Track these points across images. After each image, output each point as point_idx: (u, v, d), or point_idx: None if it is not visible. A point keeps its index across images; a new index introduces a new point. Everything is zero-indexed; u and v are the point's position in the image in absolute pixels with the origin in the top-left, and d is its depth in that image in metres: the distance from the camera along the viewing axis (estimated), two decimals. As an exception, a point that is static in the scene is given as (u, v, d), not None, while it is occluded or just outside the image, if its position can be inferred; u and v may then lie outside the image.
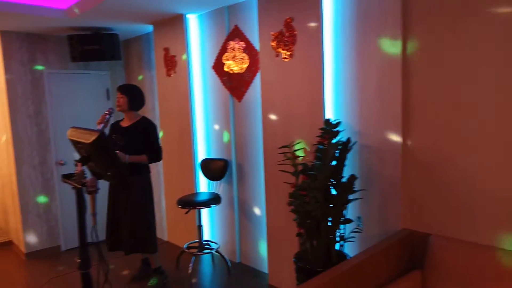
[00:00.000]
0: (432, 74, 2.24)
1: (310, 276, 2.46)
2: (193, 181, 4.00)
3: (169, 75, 4.07)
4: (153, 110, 4.59)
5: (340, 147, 2.38)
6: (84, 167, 2.35)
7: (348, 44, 2.62)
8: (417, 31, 2.28)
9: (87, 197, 2.38)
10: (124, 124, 3.26)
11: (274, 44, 2.97)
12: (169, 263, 3.78)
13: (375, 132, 2.52)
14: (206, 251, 3.68)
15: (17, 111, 4.21)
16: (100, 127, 2.79)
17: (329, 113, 2.77)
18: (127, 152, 3.05)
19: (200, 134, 4.00)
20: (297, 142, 2.85)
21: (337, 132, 2.38)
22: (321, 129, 2.42)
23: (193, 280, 3.45)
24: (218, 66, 3.65)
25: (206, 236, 4.03)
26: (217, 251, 3.61)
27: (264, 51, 3.07)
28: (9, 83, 4.15)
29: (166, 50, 4.03)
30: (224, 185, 3.77)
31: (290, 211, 2.97)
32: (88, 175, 2.37)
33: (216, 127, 3.81)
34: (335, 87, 2.74)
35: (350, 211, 2.61)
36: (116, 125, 3.29)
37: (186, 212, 3.65)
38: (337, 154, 2.42)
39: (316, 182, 2.31)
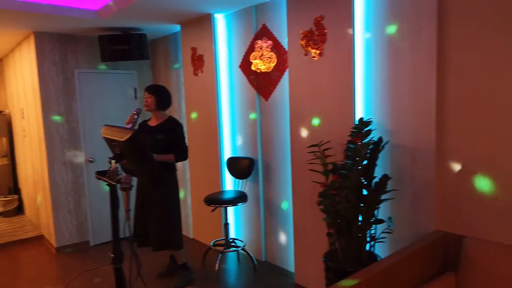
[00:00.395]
0: (470, 73, 2.19)
1: (340, 276, 2.45)
2: (219, 179, 4.03)
3: (196, 74, 4.11)
4: (179, 109, 4.65)
5: (372, 146, 2.36)
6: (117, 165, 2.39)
7: (379, 41, 2.59)
8: (454, 28, 2.23)
9: (120, 194, 2.44)
10: (152, 123, 3.32)
11: (303, 42, 2.96)
12: (195, 261, 3.82)
13: (408, 131, 2.48)
14: (232, 249, 3.71)
15: (49, 110, 4.34)
16: (128, 126, 2.86)
17: (359, 112, 2.74)
18: (154, 151, 3.11)
19: (226, 132, 4.03)
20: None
21: (369, 131, 2.35)
22: (354, 128, 2.39)
23: (220, 278, 3.48)
24: (245, 65, 3.66)
25: (232, 234, 4.06)
26: (243, 249, 3.62)
27: (293, 50, 3.07)
28: (42, 83, 4.28)
29: (194, 49, 4.07)
30: (250, 184, 3.79)
31: (319, 210, 2.97)
32: (121, 172, 2.44)
33: (243, 125, 3.83)
34: (365, 85, 2.71)
35: (381, 211, 2.58)
36: (143, 125, 3.35)
37: (213, 210, 3.68)
38: (368, 154, 2.39)
39: (348, 182, 2.29)
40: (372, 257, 2.49)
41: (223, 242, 3.79)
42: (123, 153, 2.43)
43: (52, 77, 4.35)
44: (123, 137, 2.31)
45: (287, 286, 3.32)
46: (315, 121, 2.98)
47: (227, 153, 4.05)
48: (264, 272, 3.58)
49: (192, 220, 4.57)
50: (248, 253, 3.64)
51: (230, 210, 4.01)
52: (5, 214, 5.80)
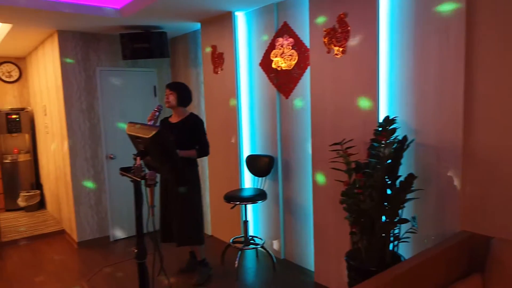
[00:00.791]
0: (499, 70, 2.14)
1: (362, 275, 2.43)
2: (238, 177, 4.05)
3: (216, 72, 4.13)
4: (198, 106, 4.68)
5: (396, 145, 2.33)
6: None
7: (405, 38, 2.55)
8: (483, 25, 2.19)
9: (144, 190, 2.47)
10: (173, 120, 3.35)
11: (325, 40, 2.94)
12: (214, 257, 3.85)
13: (433, 130, 2.44)
14: (251, 246, 3.72)
15: (72, 107, 4.42)
16: (150, 123, 2.89)
17: (383, 110, 2.71)
18: (176, 147, 3.14)
19: (246, 130, 4.04)
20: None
21: (394, 130, 2.32)
22: (378, 126, 2.37)
23: (238, 275, 3.50)
24: (265, 63, 3.66)
25: (250, 231, 4.07)
26: (262, 247, 3.63)
27: (315, 47, 3.05)
28: (65, 80, 4.36)
29: (214, 47, 4.09)
30: (269, 181, 3.79)
31: (340, 209, 2.95)
32: (144, 169, 2.46)
33: (263, 123, 3.83)
34: (389, 83, 2.68)
35: (405, 211, 2.55)
36: (165, 122, 3.39)
37: (232, 207, 3.70)
38: (392, 152, 2.36)
39: (372, 180, 2.27)
40: (396, 257, 2.46)
41: (242, 239, 3.81)
42: (147, 149, 2.45)
43: (74, 75, 4.42)
44: (148, 134, 2.33)
45: (306, 284, 3.31)
46: (337, 119, 2.96)
47: (246, 150, 4.06)
48: (283, 270, 3.58)
49: (210, 217, 4.60)
50: (267, 251, 3.64)
51: (249, 207, 4.02)
52: (27, 209, 5.94)
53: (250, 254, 3.98)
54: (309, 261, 3.53)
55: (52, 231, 5.05)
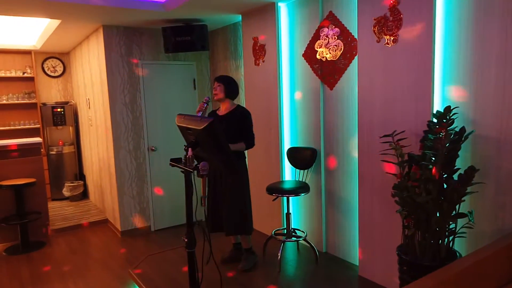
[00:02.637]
0: None
1: (415, 270, 2.37)
2: (279, 169, 4.04)
3: (257, 64, 4.12)
4: (237, 99, 4.69)
5: (454, 136, 2.24)
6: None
7: (463, 26, 2.44)
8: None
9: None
10: (221, 112, 3.38)
11: (375, 29, 2.86)
12: (255, 249, 3.86)
13: (493, 121, 2.33)
14: (293, 238, 3.71)
15: (116, 100, 4.55)
16: (199, 115, 2.92)
17: (437, 101, 2.61)
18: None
19: (287, 122, 4.01)
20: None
21: (453, 121, 2.23)
22: (436, 116, 2.28)
23: (279, 268, 3.50)
24: (309, 53, 3.61)
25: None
26: (305, 239, 3.62)
27: (364, 37, 2.97)
28: (110, 74, 4.48)
29: (255, 39, 4.08)
30: (311, 174, 3.76)
31: (388, 202, 2.89)
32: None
33: (305, 115, 3.79)
34: (444, 72, 2.58)
35: (460, 205, 2.46)
36: (213, 114, 3.43)
37: (274, 199, 3.70)
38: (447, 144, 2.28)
39: (429, 173, 2.19)
40: (451, 252, 2.38)
41: (283, 231, 3.80)
42: (198, 141, 2.48)
43: (118, 69, 4.54)
44: (200, 125, 2.36)
45: (351, 278, 3.27)
46: (387, 111, 2.89)
47: (286, 143, 4.04)
48: (326, 263, 3.55)
49: (249, 209, 4.62)
50: (310, 244, 3.62)
51: (290, 200, 4.00)
52: (72, 199, 6.19)
53: (290, 246, 3.97)
54: (352, 255, 3.48)
55: (96, 220, 5.24)
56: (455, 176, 2.31)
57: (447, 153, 2.27)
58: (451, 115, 2.19)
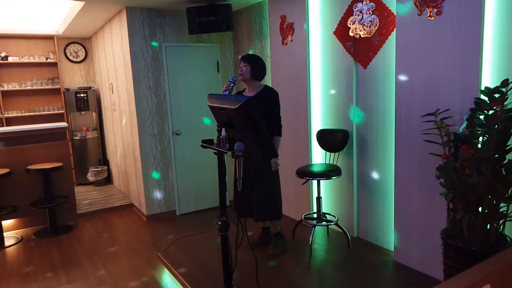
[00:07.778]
0: None
1: (463, 255, 2.25)
2: (307, 152, 3.93)
3: (284, 43, 3.97)
4: (263, 80, 4.56)
5: (510, 113, 2.08)
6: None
7: (517, -6, 2.25)
8: None
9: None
10: (247, 94, 3.25)
11: (416, 1, 2.68)
12: (284, 234, 3.79)
13: (551, 96, 2.15)
14: (324, 223, 3.62)
15: (140, 83, 4.48)
16: (225, 94, 2.81)
17: (486, 77, 2.44)
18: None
19: (317, 103, 3.88)
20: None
21: (506, 97, 2.07)
22: (490, 91, 2.11)
23: (310, 253, 3.42)
24: (341, 31, 3.45)
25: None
26: (336, 224, 3.52)
27: (403, 11, 2.80)
28: (133, 57, 4.41)
29: (283, 17, 3.93)
30: (342, 157, 3.63)
31: (429, 185, 2.75)
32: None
33: (336, 96, 3.65)
34: (495, 45, 2.40)
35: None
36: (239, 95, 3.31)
37: (304, 183, 3.60)
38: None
39: (482, 152, 2.05)
40: (502, 237, 2.25)
41: (313, 216, 3.71)
42: (232, 121, 2.39)
43: (142, 51, 4.46)
44: (235, 104, 2.26)
45: (386, 263, 3.17)
46: (428, 88, 2.72)
47: (316, 125, 3.91)
48: (358, 248, 3.45)
49: (276, 194, 4.53)
50: (341, 228, 3.52)
51: (320, 184, 3.89)
52: (96, 184, 6.24)
53: (320, 231, 3.88)
54: (386, 240, 3.37)
55: (121, 204, 5.26)
56: (509, 156, 2.16)
57: (502, 131, 2.11)
58: (508, 89, 2.02)
